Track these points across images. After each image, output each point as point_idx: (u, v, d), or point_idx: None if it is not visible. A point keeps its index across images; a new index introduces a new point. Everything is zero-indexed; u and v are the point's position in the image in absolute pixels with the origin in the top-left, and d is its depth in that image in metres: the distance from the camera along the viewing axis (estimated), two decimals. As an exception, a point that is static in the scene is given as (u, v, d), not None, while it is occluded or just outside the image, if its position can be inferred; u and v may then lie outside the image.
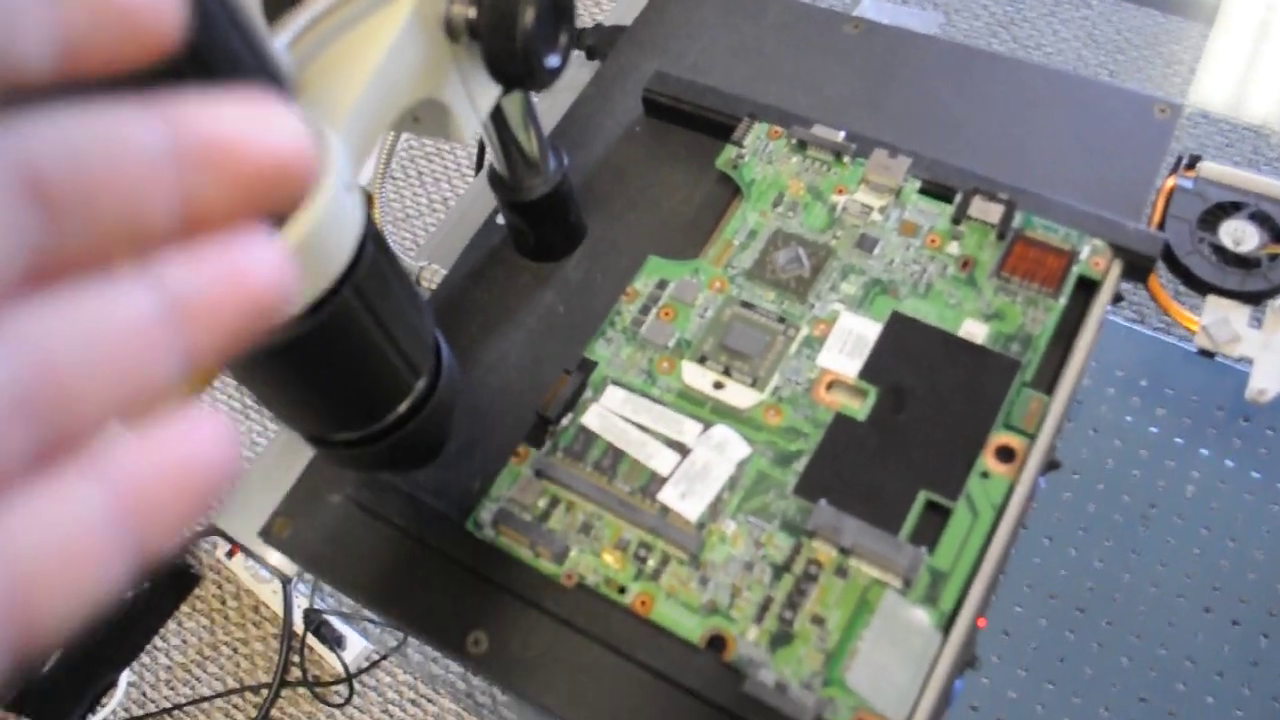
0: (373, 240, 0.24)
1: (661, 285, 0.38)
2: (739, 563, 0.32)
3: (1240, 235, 0.38)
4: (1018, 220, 0.37)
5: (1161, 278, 0.38)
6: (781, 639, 0.31)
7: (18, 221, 0.10)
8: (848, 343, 0.36)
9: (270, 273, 0.12)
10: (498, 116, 0.34)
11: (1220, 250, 0.38)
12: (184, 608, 0.96)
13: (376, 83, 0.24)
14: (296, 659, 0.88)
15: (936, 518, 0.32)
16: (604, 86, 0.46)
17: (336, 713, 0.90)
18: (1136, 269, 0.36)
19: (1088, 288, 0.36)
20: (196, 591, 0.97)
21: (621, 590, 0.32)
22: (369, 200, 0.45)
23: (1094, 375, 0.53)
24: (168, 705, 0.93)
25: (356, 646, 0.88)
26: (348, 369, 0.26)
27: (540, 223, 0.39)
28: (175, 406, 0.11)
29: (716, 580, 0.32)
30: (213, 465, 0.11)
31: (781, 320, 0.37)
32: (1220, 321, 0.37)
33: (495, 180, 0.38)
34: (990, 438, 0.33)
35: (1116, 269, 0.36)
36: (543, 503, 0.34)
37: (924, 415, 0.34)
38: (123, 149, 0.11)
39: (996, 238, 0.37)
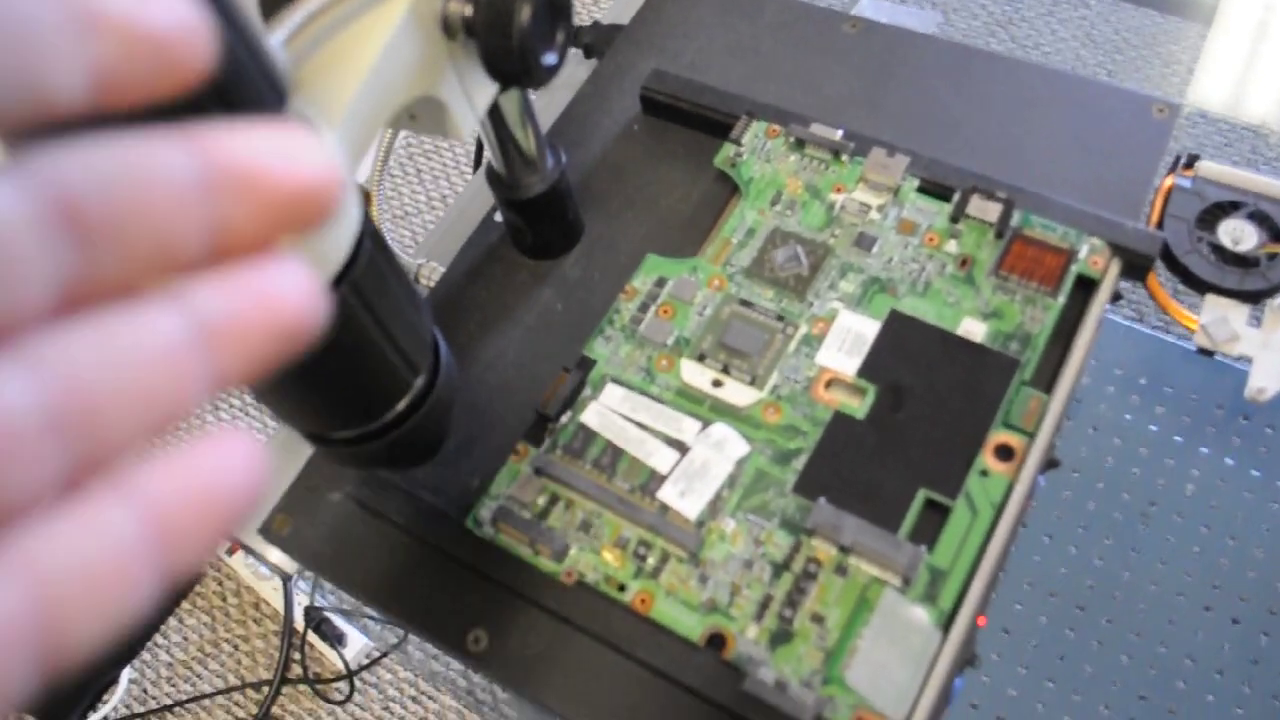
0: (370, 238, 0.24)
1: (660, 283, 0.38)
2: (738, 561, 0.32)
3: (1239, 234, 0.38)
4: (1016, 219, 0.37)
5: (1160, 276, 0.38)
6: (781, 637, 0.31)
7: (53, 250, 0.11)
8: (846, 341, 0.36)
9: (298, 297, 0.12)
10: (495, 114, 0.34)
11: (1219, 249, 0.38)
12: (184, 605, 0.97)
13: (373, 80, 0.24)
14: (297, 656, 0.88)
15: (936, 516, 0.32)
16: (602, 84, 0.46)
17: (337, 710, 0.90)
18: (1135, 268, 0.36)
19: (1086, 286, 0.36)
20: (197, 589, 0.97)
21: (621, 588, 0.32)
22: (367, 197, 0.45)
23: (1093, 374, 0.53)
24: (168, 702, 0.93)
25: (357, 643, 0.88)
26: (346, 367, 0.26)
27: (538, 220, 0.39)
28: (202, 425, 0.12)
29: (716, 578, 0.32)
30: (239, 487, 0.12)
31: (780, 318, 0.37)
32: (1219, 320, 0.37)
33: (493, 178, 0.38)
34: (989, 436, 0.33)
35: (1115, 268, 0.36)
36: (542, 500, 0.34)
37: (923, 414, 0.34)
38: (154, 178, 0.11)
39: (995, 236, 0.37)
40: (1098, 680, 0.47)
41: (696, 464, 0.34)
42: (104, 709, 0.90)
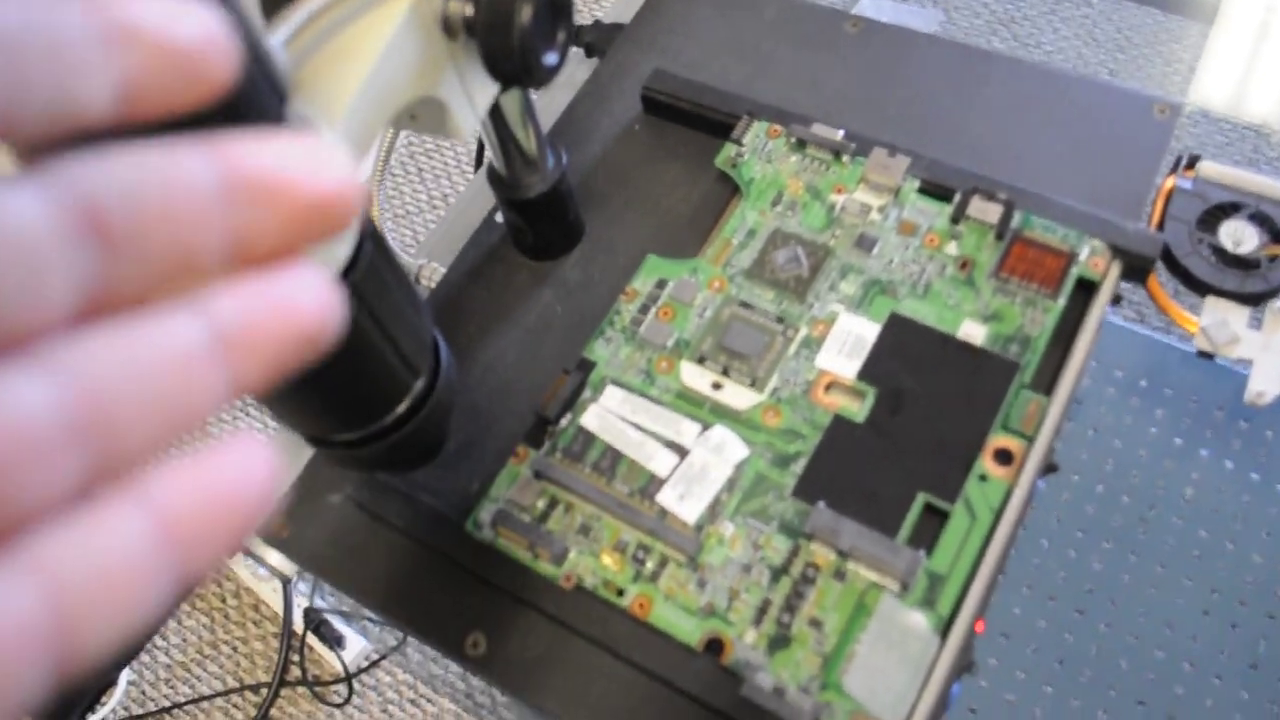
0: (371, 239, 0.24)
1: (660, 284, 0.38)
2: (737, 565, 0.32)
3: (1240, 236, 0.38)
4: (1016, 220, 0.37)
5: (1161, 278, 0.38)
6: (779, 642, 0.30)
7: (76, 258, 0.11)
8: (846, 343, 0.36)
9: (315, 304, 0.12)
10: (496, 114, 0.34)
11: (1220, 251, 0.38)
12: (184, 606, 0.96)
13: (373, 80, 0.24)
14: (296, 658, 0.88)
15: (934, 520, 0.32)
16: (602, 84, 0.46)
17: (336, 712, 0.90)
18: (1136, 270, 0.36)
19: (1087, 288, 0.35)
20: (196, 590, 0.97)
21: (620, 592, 0.32)
22: (367, 197, 0.45)
23: (1093, 376, 0.52)
24: (167, 704, 0.93)
25: (356, 646, 0.88)
26: (346, 369, 0.26)
27: (539, 221, 0.39)
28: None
29: (714, 583, 0.32)
30: (253, 492, 0.12)
31: (780, 320, 0.36)
32: (1219, 323, 0.37)
33: (494, 178, 0.38)
34: (989, 440, 0.33)
35: (1115, 270, 0.36)
36: (541, 504, 0.34)
37: (922, 417, 0.34)
38: (177, 187, 0.12)
39: (995, 238, 0.37)
40: (1096, 685, 0.46)
41: (696, 467, 0.34)
42: (103, 710, 0.90)
